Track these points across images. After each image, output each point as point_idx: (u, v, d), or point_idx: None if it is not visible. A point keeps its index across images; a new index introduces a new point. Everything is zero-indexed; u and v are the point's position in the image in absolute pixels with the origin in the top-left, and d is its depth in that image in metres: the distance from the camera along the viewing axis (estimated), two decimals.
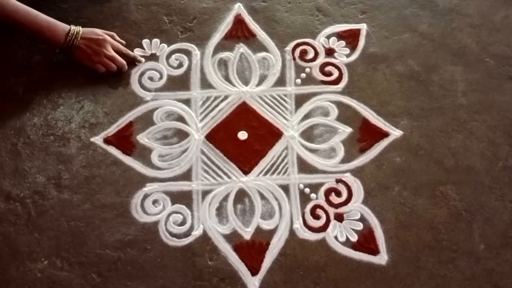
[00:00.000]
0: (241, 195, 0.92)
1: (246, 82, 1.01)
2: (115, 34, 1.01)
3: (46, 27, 0.92)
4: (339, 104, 0.99)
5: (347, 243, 0.87)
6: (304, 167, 0.94)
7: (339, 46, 1.04)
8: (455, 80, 1.00)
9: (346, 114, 0.98)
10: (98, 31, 0.97)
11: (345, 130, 0.96)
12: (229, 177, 0.93)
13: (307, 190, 0.92)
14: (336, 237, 0.88)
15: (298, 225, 0.89)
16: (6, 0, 0.90)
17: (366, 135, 0.96)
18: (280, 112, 0.98)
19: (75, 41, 0.93)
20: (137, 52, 1.03)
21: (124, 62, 0.99)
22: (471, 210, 0.89)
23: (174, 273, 0.85)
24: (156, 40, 1.04)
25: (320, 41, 1.05)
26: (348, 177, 0.92)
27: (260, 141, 0.96)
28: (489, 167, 0.93)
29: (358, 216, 0.89)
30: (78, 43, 0.94)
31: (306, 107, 0.98)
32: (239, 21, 1.07)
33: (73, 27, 0.94)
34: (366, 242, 0.87)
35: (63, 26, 0.94)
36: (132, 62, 1.02)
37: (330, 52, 1.04)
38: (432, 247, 0.87)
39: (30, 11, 0.91)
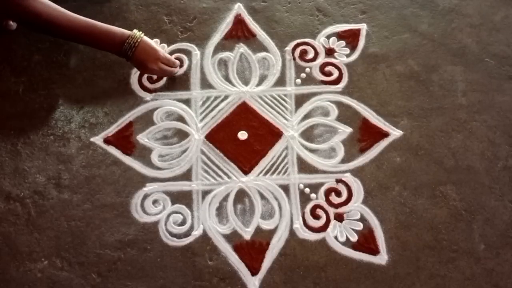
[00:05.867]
0: (241, 195, 0.92)
1: (246, 82, 1.01)
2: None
3: (103, 38, 0.91)
4: (339, 104, 0.99)
5: (347, 243, 0.88)
6: (304, 167, 0.94)
7: (339, 46, 1.04)
8: (455, 80, 1.00)
9: (346, 114, 0.98)
10: (153, 45, 0.94)
11: (345, 130, 0.96)
12: (229, 177, 0.93)
13: (307, 190, 0.92)
14: (336, 237, 0.88)
15: (298, 225, 0.89)
16: (66, 16, 0.89)
17: (366, 135, 0.96)
18: (280, 112, 0.98)
19: (129, 52, 0.92)
20: None
21: (171, 70, 0.98)
22: (471, 210, 0.89)
23: (174, 273, 0.85)
24: (156, 40, 1.04)
25: (320, 41, 1.05)
26: (348, 177, 0.92)
27: (260, 141, 0.96)
28: (489, 167, 0.93)
29: (358, 216, 0.89)
30: (132, 54, 0.92)
31: (306, 107, 0.98)
32: (239, 21, 1.07)
33: (132, 37, 0.91)
34: (366, 242, 0.87)
35: (119, 36, 0.91)
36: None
37: (330, 52, 1.04)
38: (432, 247, 0.87)
39: (87, 23, 0.90)
